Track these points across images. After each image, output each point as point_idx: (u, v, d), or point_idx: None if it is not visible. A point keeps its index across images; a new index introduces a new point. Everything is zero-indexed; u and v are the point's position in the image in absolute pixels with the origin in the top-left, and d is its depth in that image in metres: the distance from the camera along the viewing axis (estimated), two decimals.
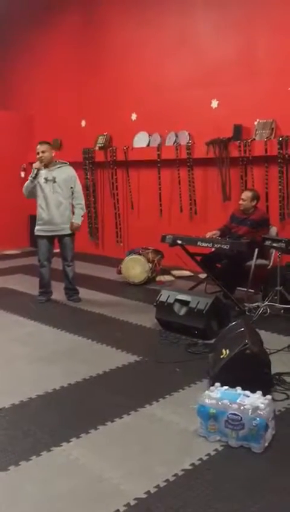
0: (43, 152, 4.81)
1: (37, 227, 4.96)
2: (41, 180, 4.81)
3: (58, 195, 4.83)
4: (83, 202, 5.05)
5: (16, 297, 5.34)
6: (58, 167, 4.89)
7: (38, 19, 8.32)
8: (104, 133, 7.44)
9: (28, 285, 5.63)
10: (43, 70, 8.38)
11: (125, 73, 7.17)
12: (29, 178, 4.82)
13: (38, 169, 4.78)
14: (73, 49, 7.92)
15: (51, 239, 4.96)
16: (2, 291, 5.60)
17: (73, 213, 4.94)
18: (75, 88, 7.88)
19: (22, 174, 8.63)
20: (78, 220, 4.96)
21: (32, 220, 8.37)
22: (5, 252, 8.02)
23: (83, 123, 7.92)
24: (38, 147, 4.87)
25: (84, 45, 7.74)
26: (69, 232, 4.93)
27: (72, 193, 4.92)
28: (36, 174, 4.77)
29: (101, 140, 7.44)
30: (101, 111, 7.52)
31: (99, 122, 7.52)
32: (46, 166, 4.83)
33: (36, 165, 4.79)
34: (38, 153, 4.83)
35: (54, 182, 4.81)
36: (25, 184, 4.87)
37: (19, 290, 5.59)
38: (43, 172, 4.81)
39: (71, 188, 4.90)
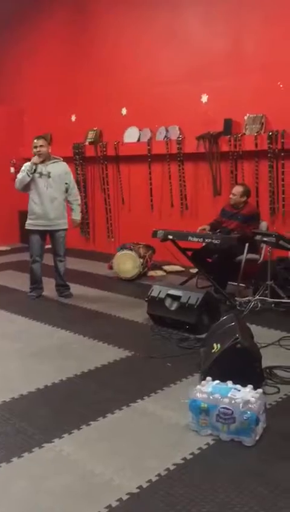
0: (41, 146, 4.79)
1: (29, 222, 4.92)
2: (35, 174, 4.78)
3: (52, 190, 4.81)
4: (79, 198, 5.07)
5: (6, 294, 5.31)
6: (53, 162, 4.88)
7: (28, 12, 8.24)
8: (95, 128, 7.41)
9: (19, 281, 5.61)
10: (33, 64, 8.31)
11: (116, 68, 7.13)
12: (26, 172, 4.74)
13: (36, 164, 4.75)
14: (63, 43, 7.86)
15: (43, 234, 4.94)
16: None
17: (70, 209, 4.96)
18: (65, 82, 7.82)
19: (12, 170, 8.57)
20: (77, 216, 5.01)
21: (22, 216, 8.35)
22: None
23: (73, 118, 7.88)
24: (36, 141, 4.83)
25: (74, 39, 7.69)
26: (63, 227, 4.92)
27: (67, 189, 4.92)
28: (35, 169, 4.74)
29: (91, 135, 7.40)
30: (91, 106, 7.48)
31: (90, 116, 7.48)
32: (41, 161, 4.80)
33: (35, 159, 4.76)
34: (35, 147, 4.79)
35: (49, 177, 4.79)
36: (20, 177, 4.80)
37: (10, 287, 5.56)
38: (38, 167, 4.78)
39: (66, 183, 4.90)
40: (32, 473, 2.25)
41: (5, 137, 8.42)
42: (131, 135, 6.95)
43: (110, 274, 6.01)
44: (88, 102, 7.52)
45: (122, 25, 7.03)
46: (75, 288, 5.20)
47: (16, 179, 4.86)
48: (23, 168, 4.83)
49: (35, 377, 3.21)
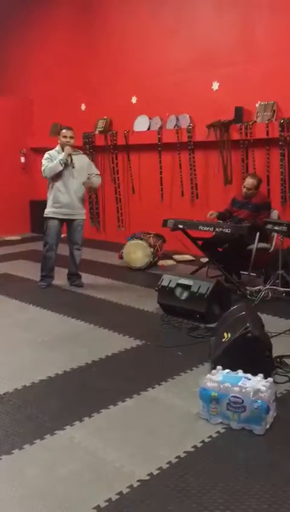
0: (71, 137, 4.86)
1: (51, 210, 4.94)
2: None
3: (76, 181, 4.89)
4: (100, 177, 5.16)
5: (18, 283, 5.35)
6: (76, 154, 4.96)
7: (37, 2, 8.19)
8: (104, 117, 7.37)
9: (30, 271, 5.64)
10: (42, 54, 8.28)
11: (125, 56, 7.08)
12: (59, 161, 4.76)
13: (70, 155, 4.81)
14: (72, 32, 7.81)
15: (62, 223, 4.98)
16: (3, 277, 5.61)
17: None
18: (74, 72, 7.79)
19: (22, 159, 8.59)
20: (96, 179, 5.03)
21: (33, 205, 8.42)
22: (6, 238, 8.02)
23: (83, 107, 7.85)
24: (66, 131, 4.89)
25: (83, 28, 7.64)
26: (83, 217, 5.01)
27: (90, 175, 4.99)
28: (71, 160, 4.81)
29: (101, 124, 7.38)
30: (100, 95, 7.45)
31: (99, 106, 7.45)
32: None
33: (70, 150, 4.82)
34: (65, 137, 4.84)
35: (73, 167, 4.85)
36: (52, 165, 4.78)
37: (21, 276, 5.60)
38: (61, 158, 4.80)
39: (89, 174, 4.98)
40: (44, 460, 2.28)
41: (15, 127, 8.43)
42: (141, 124, 6.91)
43: (120, 263, 6.01)
44: (98, 91, 7.49)
45: (131, 13, 6.96)
46: (85, 278, 5.22)
47: (45, 167, 4.83)
48: (47, 156, 4.85)
49: (47, 366, 3.24)
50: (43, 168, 4.85)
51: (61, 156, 4.79)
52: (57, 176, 4.84)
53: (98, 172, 5.18)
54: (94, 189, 5.41)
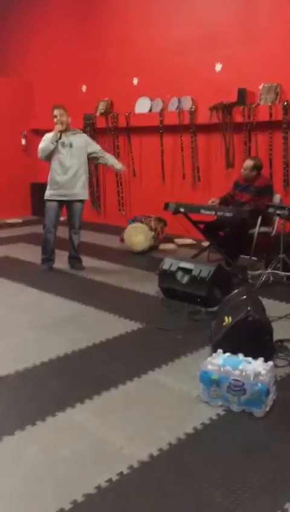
0: (61, 115, 4.78)
1: (49, 192, 4.91)
2: (58, 144, 4.78)
3: (75, 161, 4.83)
4: (110, 155, 5.22)
5: (18, 266, 5.35)
6: (74, 133, 4.90)
7: None
8: (105, 99, 7.29)
9: (31, 254, 5.63)
10: (42, 36, 8.15)
11: (127, 37, 6.96)
12: (49, 140, 4.73)
13: (61, 132, 4.73)
14: (73, 13, 7.67)
15: (61, 205, 4.95)
16: (4, 260, 5.61)
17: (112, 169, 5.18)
18: (75, 53, 7.67)
19: (23, 142, 8.52)
20: (119, 165, 5.15)
21: (34, 188, 8.38)
22: (7, 220, 8.00)
23: (84, 88, 7.75)
24: (56, 110, 4.82)
25: (84, 10, 7.50)
26: (82, 198, 4.95)
27: (92, 154, 4.98)
28: (59, 138, 4.73)
29: (102, 106, 7.30)
30: (101, 76, 7.35)
31: (100, 87, 7.36)
32: (63, 130, 4.78)
33: (59, 127, 4.74)
34: (55, 116, 4.78)
35: (71, 147, 4.80)
36: (43, 146, 4.76)
37: (22, 259, 5.60)
38: (51, 136, 4.75)
39: (93, 153, 4.96)
40: (45, 441, 2.30)
41: (16, 110, 8.35)
42: (142, 106, 6.83)
43: (121, 247, 6.00)
44: (99, 72, 7.39)
45: None
46: (86, 261, 5.22)
47: (39, 148, 4.81)
48: (44, 138, 4.80)
49: (48, 348, 3.25)
50: (38, 149, 4.82)
51: (51, 134, 4.74)
52: (52, 156, 4.78)
53: (100, 148, 5.10)
54: (118, 169, 5.22)
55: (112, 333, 3.48)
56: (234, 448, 2.23)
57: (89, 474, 2.06)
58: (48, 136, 4.79)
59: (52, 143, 4.71)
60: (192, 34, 6.22)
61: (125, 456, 2.17)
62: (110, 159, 5.12)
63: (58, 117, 4.76)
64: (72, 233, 5.02)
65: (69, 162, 4.80)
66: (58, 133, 4.72)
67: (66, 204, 4.95)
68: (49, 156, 4.81)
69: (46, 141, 4.76)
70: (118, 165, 5.15)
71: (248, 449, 2.22)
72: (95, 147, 5.02)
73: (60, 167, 4.81)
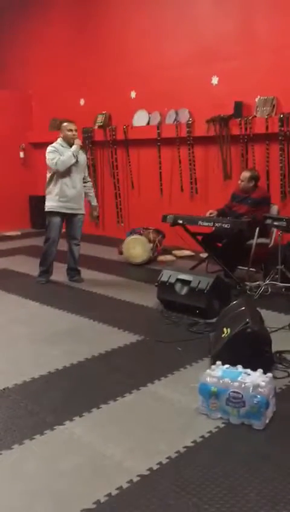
0: (76, 130, 4.90)
1: (57, 204, 4.90)
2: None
3: (79, 176, 4.94)
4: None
5: (17, 279, 5.35)
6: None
7: None
8: (103, 112, 7.35)
9: (30, 266, 5.63)
10: (41, 49, 8.24)
11: (124, 51, 7.04)
12: (72, 153, 4.77)
13: (81, 147, 4.89)
14: (71, 26, 7.77)
15: (63, 217, 4.98)
16: (3, 273, 5.61)
17: (87, 200, 5.13)
18: (74, 66, 7.75)
19: (21, 154, 8.57)
20: (95, 201, 5.24)
21: (33, 200, 8.40)
22: (6, 233, 8.01)
23: (82, 102, 7.82)
24: (70, 125, 4.88)
25: (82, 23, 7.59)
26: (83, 212, 5.03)
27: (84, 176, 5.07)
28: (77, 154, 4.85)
29: (100, 119, 7.35)
30: (100, 89, 7.42)
31: (99, 100, 7.42)
32: (71, 146, 4.84)
33: (79, 142, 4.88)
34: (70, 130, 4.85)
35: (77, 162, 4.87)
36: (65, 158, 4.75)
37: (20, 271, 5.60)
38: (74, 150, 4.81)
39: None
40: (43, 455, 2.28)
41: (14, 122, 8.41)
42: (140, 119, 6.89)
43: (120, 259, 6.01)
44: (97, 85, 7.46)
45: (130, 7, 6.92)
46: (85, 273, 5.22)
47: (56, 160, 4.74)
48: (52, 149, 4.81)
49: (47, 361, 3.24)
50: (54, 161, 4.76)
51: (74, 148, 4.80)
52: (67, 170, 4.83)
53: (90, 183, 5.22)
54: (94, 205, 5.24)
55: (110, 345, 3.48)
56: (234, 461, 2.22)
57: (88, 489, 2.05)
58: (58, 148, 4.81)
59: (74, 156, 4.80)
60: (189, 48, 6.29)
61: (124, 470, 2.16)
62: (91, 191, 5.15)
63: (74, 132, 4.85)
64: (74, 245, 5.04)
65: (76, 176, 4.90)
66: (79, 148, 4.85)
67: (69, 217, 4.97)
68: (66, 169, 4.83)
69: (58, 153, 4.77)
70: (94, 201, 5.20)
71: (248, 462, 2.21)
72: (86, 171, 5.15)
73: (70, 181, 4.86)
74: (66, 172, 4.83)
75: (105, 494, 2.00)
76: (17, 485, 2.09)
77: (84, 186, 5.05)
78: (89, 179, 5.18)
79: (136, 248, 5.79)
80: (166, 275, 4.20)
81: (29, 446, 2.35)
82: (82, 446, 2.35)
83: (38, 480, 2.12)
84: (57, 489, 2.05)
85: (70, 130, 4.85)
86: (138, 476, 2.12)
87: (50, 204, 4.93)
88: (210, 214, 5.01)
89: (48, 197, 4.95)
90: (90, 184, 5.17)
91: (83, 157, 5.00)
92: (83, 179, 5.03)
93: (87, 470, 2.17)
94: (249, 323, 2.90)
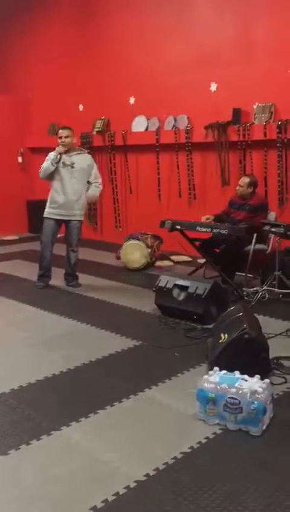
0: (66, 137, 4.84)
1: (48, 210, 4.94)
2: (59, 164, 4.81)
3: (75, 181, 4.86)
4: (100, 181, 5.06)
5: (14, 283, 5.34)
6: (77, 153, 4.94)
7: (35, 2, 8.18)
8: (102, 117, 7.37)
9: (27, 270, 5.63)
10: (40, 54, 8.27)
11: (124, 57, 7.07)
12: (50, 161, 4.77)
13: (61, 154, 4.78)
14: (70, 32, 7.80)
15: (59, 223, 4.97)
16: (0, 277, 5.59)
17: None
18: (73, 72, 7.78)
19: (20, 159, 8.57)
20: (94, 191, 4.98)
21: (30, 205, 8.41)
22: (3, 237, 8.00)
23: (81, 107, 7.84)
24: (61, 131, 4.89)
25: (81, 28, 7.63)
26: (80, 218, 4.98)
27: (90, 177, 4.96)
28: (59, 159, 4.78)
29: (99, 124, 7.37)
30: (98, 95, 7.44)
31: (97, 106, 7.45)
32: (65, 151, 4.82)
33: (59, 149, 4.79)
34: (60, 137, 4.83)
35: (72, 167, 4.83)
36: (45, 166, 4.81)
37: (18, 276, 5.59)
38: (62, 157, 4.80)
39: (88, 181, 4.95)
40: (40, 460, 2.27)
41: (13, 127, 8.41)
42: (139, 124, 6.91)
43: (117, 264, 6.01)
44: (95, 91, 7.48)
45: (129, 13, 6.96)
46: (83, 278, 5.22)
47: (40, 168, 4.85)
48: (47, 157, 4.84)
49: (44, 366, 3.23)
50: (40, 169, 4.86)
51: (52, 156, 4.78)
52: (53, 176, 4.82)
53: (99, 180, 5.03)
54: (93, 201, 5.12)
55: (108, 350, 3.47)
56: (231, 467, 2.21)
57: (85, 495, 2.04)
58: (50, 155, 4.84)
59: (53, 164, 4.76)
60: (188, 54, 6.32)
61: (121, 476, 2.15)
62: (96, 184, 4.98)
63: (63, 138, 4.82)
64: (70, 251, 5.04)
65: (69, 182, 4.83)
66: (58, 155, 4.77)
67: (65, 223, 4.98)
68: (50, 177, 4.84)
69: (47, 161, 4.80)
70: (94, 189, 4.97)
71: (245, 468, 2.20)
72: (94, 175, 4.95)
73: (60, 187, 4.84)
74: (56, 179, 4.82)
75: (102, 500, 2.00)
76: (14, 490, 2.08)
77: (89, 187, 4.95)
78: (96, 176, 4.97)
79: (134, 253, 5.79)
80: (164, 281, 4.20)
81: (25, 451, 2.34)
82: (79, 451, 2.34)
83: (34, 485, 2.11)
84: (53, 495, 2.04)
85: (60, 137, 4.84)
86: (135, 481, 2.11)
87: (45, 210, 4.97)
88: (207, 218, 5.02)
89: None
90: (96, 179, 4.96)
91: (83, 161, 4.92)
92: (88, 182, 4.95)
93: (84, 475, 2.17)
94: (246, 329, 2.90)
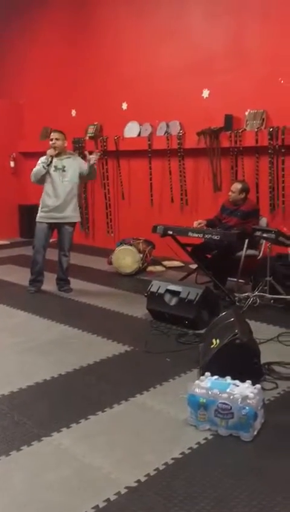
0: (57, 139, 4.85)
1: (40, 214, 4.93)
2: (50, 168, 4.82)
3: (67, 184, 4.86)
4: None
5: (5, 288, 5.31)
6: (68, 157, 4.94)
7: (28, 6, 8.20)
8: (95, 123, 7.39)
9: (18, 275, 5.61)
10: (33, 59, 8.28)
11: (117, 63, 7.10)
12: (41, 164, 4.78)
13: (52, 157, 4.79)
14: (63, 37, 7.82)
15: (51, 227, 4.95)
16: None
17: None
18: (66, 77, 7.80)
19: (12, 164, 8.56)
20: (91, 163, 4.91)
21: (22, 210, 8.39)
22: None
23: (73, 112, 7.85)
24: (53, 134, 4.91)
25: (74, 34, 7.65)
26: (73, 220, 4.98)
27: (80, 179, 4.99)
28: (50, 162, 4.78)
29: (91, 129, 7.38)
30: (91, 100, 7.46)
31: (90, 111, 7.46)
32: (57, 155, 4.83)
33: (50, 152, 4.81)
34: (51, 140, 4.85)
35: (64, 170, 4.84)
36: (35, 170, 4.82)
37: (9, 281, 5.56)
38: (53, 161, 4.81)
39: (81, 172, 4.91)
40: (30, 466, 2.26)
41: (5, 132, 8.41)
42: (131, 130, 6.93)
43: (109, 269, 6.01)
44: (88, 96, 7.50)
45: (122, 19, 7.00)
46: (74, 283, 5.20)
47: (32, 172, 4.86)
48: (39, 161, 4.85)
49: (34, 371, 3.22)
50: (32, 173, 4.88)
51: (43, 158, 4.80)
52: (44, 179, 4.82)
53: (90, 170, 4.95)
54: (92, 175, 4.99)
55: (99, 356, 3.46)
56: (222, 473, 2.21)
57: (75, 501, 2.03)
58: (41, 159, 4.85)
59: (44, 167, 4.76)
60: (180, 61, 6.36)
61: (112, 482, 2.14)
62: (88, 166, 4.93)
63: (54, 140, 4.83)
64: (62, 256, 5.02)
65: (60, 185, 4.83)
66: (50, 158, 4.78)
67: (58, 228, 4.97)
68: (42, 180, 4.84)
69: (38, 165, 4.81)
70: (90, 161, 4.90)
71: (236, 474, 2.20)
72: (83, 167, 4.97)
73: (51, 190, 4.84)
74: (48, 182, 4.82)
75: (92, 506, 1.98)
76: (4, 496, 2.07)
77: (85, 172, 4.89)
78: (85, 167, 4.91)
79: (126, 258, 5.79)
80: (155, 286, 4.20)
81: (16, 457, 2.32)
82: (70, 457, 2.33)
83: (25, 492, 2.09)
84: (44, 501, 2.03)
85: (51, 139, 4.86)
86: (126, 487, 2.10)
87: (38, 214, 4.96)
88: (199, 223, 5.04)
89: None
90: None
91: (74, 164, 4.91)
92: (81, 173, 4.90)
93: (75, 481, 2.15)
94: (238, 335, 2.90)
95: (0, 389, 2.96)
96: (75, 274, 5.44)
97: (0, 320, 4.29)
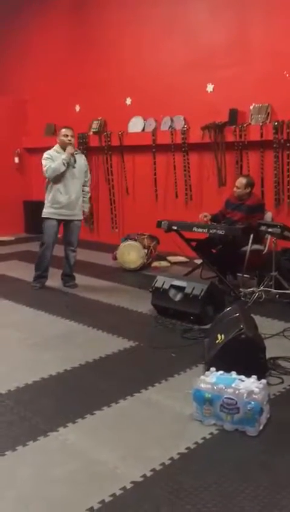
0: (72, 136, 4.85)
1: (50, 210, 4.90)
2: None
3: (76, 181, 4.89)
4: (89, 183, 5.22)
5: (11, 284, 5.33)
6: (76, 153, 4.93)
7: (31, 2, 8.17)
8: (99, 118, 7.37)
9: (24, 271, 5.62)
10: (36, 55, 8.26)
11: (120, 58, 7.08)
12: (62, 161, 4.72)
13: (72, 154, 4.79)
14: (67, 33, 7.80)
15: (59, 223, 4.96)
16: None
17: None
18: (69, 72, 7.78)
19: (16, 160, 8.56)
20: (87, 209, 5.15)
21: (27, 206, 8.40)
22: (0, 238, 7.98)
23: (77, 108, 7.84)
24: (67, 130, 4.86)
25: (78, 29, 7.63)
26: (81, 217, 5.02)
27: (86, 176, 5.04)
28: (75, 161, 4.81)
29: (95, 125, 7.37)
30: (95, 95, 7.44)
31: (94, 106, 7.45)
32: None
33: (70, 149, 4.79)
34: (66, 136, 4.81)
35: (74, 167, 4.84)
36: (55, 166, 4.73)
37: (14, 277, 5.58)
38: (64, 157, 4.77)
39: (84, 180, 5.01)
40: (37, 461, 2.27)
41: (9, 128, 8.41)
42: (135, 125, 6.91)
43: (114, 265, 6.01)
44: (92, 92, 7.48)
45: (126, 14, 6.96)
46: (79, 279, 5.21)
47: (47, 167, 4.75)
48: (47, 156, 4.81)
49: (40, 367, 3.23)
50: (45, 168, 4.77)
51: (64, 155, 4.76)
52: (59, 177, 4.80)
53: (89, 191, 5.15)
54: (85, 210, 5.13)
55: (104, 351, 3.47)
56: (227, 468, 2.21)
57: (82, 496, 2.03)
58: (52, 155, 4.80)
59: (64, 164, 4.74)
60: (184, 55, 6.33)
61: (118, 477, 2.15)
62: (86, 197, 5.08)
63: (70, 137, 4.81)
64: (70, 251, 5.03)
65: (71, 182, 4.85)
66: (71, 156, 4.77)
67: (65, 223, 4.97)
68: (58, 177, 4.80)
69: (53, 160, 4.75)
70: (86, 206, 5.11)
71: (241, 469, 2.20)
72: (87, 170, 5.08)
73: (63, 187, 4.83)
74: (59, 179, 4.81)
75: (98, 501, 1.99)
76: (10, 491, 2.08)
77: (82, 191, 5.01)
78: (88, 184, 5.09)
79: (131, 254, 5.79)
80: (160, 281, 4.20)
81: (22, 452, 2.33)
82: (75, 452, 2.34)
83: (31, 486, 2.10)
84: (50, 496, 2.04)
85: (66, 136, 4.82)
86: (132, 482, 2.11)
87: (45, 210, 4.94)
88: (204, 216, 5.03)
89: (45, 203, 4.95)
90: (87, 189, 5.09)
91: (81, 161, 4.95)
92: (83, 184, 5.00)
93: (81, 476, 2.16)
94: (243, 330, 2.90)
95: (6, 385, 2.97)
96: (80, 270, 5.45)
97: (6, 316, 4.30)
